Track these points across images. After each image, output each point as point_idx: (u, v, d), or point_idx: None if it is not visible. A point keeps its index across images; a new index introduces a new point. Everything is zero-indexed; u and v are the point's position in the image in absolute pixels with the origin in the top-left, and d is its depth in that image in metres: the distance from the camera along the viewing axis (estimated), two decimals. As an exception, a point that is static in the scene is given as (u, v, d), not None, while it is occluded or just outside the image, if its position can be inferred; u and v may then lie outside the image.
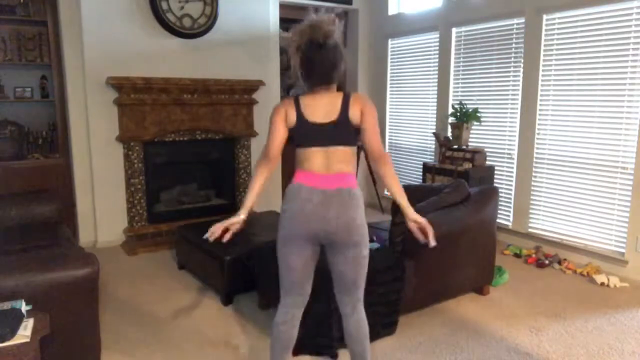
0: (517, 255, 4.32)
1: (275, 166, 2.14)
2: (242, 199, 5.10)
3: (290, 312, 2.13)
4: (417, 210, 3.11)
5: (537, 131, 4.37)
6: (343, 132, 2.01)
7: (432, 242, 2.02)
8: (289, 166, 5.92)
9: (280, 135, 2.05)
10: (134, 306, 3.30)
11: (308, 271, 2.08)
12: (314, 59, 1.96)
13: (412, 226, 2.09)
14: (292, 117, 2.03)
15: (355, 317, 2.13)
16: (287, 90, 6.16)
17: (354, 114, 2.01)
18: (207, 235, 2.05)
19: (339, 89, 2.09)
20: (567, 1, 4.02)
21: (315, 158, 1.99)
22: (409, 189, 3.86)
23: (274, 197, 5.48)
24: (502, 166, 4.71)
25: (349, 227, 1.97)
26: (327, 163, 1.99)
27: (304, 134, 2.01)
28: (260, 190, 2.06)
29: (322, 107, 2.01)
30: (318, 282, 2.37)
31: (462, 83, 5.07)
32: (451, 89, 5.16)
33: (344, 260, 2.03)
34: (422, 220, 2.07)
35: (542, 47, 4.25)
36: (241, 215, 2.06)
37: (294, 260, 2.03)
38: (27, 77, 4.58)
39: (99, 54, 4.31)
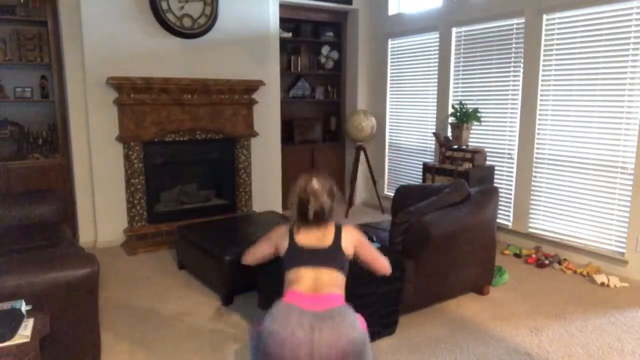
0: (517, 255, 4.32)
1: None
2: (242, 199, 5.12)
3: None
4: (418, 211, 3.13)
5: (537, 131, 4.37)
6: (335, 256, 2.10)
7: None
8: (289, 167, 5.95)
9: (265, 251, 2.32)
10: (134, 306, 3.30)
11: None
12: (308, 214, 2.10)
13: None
14: (285, 244, 2.15)
15: None
16: (287, 90, 6.17)
17: (346, 245, 2.13)
18: None
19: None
20: (567, 1, 4.02)
21: (306, 278, 2.02)
22: (409, 189, 3.90)
23: (274, 197, 5.49)
24: (502, 166, 4.71)
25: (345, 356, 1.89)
26: (317, 284, 2.02)
27: (295, 256, 2.10)
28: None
29: (314, 236, 2.12)
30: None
31: (462, 83, 5.06)
32: (451, 89, 5.16)
33: None
34: None
35: (542, 47, 4.25)
36: None
37: None
38: (27, 77, 4.57)
39: (99, 54, 4.31)
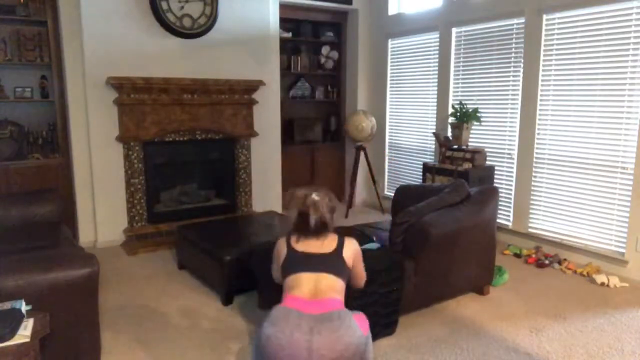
0: (517, 255, 4.32)
1: None
2: (242, 199, 5.12)
3: None
4: (418, 211, 3.13)
5: (537, 131, 4.37)
6: (336, 263, 2.11)
7: None
8: (289, 167, 5.94)
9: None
10: (133, 306, 3.30)
11: None
12: (309, 224, 2.13)
13: None
14: (283, 252, 2.18)
15: None
16: (287, 90, 6.16)
17: (347, 255, 2.16)
18: None
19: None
20: (567, 1, 4.02)
21: (306, 283, 2.03)
22: (409, 189, 3.90)
23: (274, 197, 5.49)
24: (502, 166, 4.71)
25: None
26: (316, 289, 2.02)
27: (295, 262, 2.11)
28: None
29: (314, 244, 2.15)
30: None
31: (462, 83, 5.06)
32: (451, 89, 5.16)
33: None
34: None
35: (542, 47, 4.25)
36: None
37: None
38: (27, 77, 4.57)
39: (99, 54, 4.31)
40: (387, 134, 6.14)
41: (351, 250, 2.19)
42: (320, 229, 2.13)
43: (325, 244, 2.14)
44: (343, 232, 2.29)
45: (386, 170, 6.20)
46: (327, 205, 2.16)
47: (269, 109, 5.33)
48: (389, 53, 5.97)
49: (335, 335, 1.88)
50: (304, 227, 2.13)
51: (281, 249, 2.19)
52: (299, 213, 2.15)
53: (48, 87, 4.61)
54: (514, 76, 4.53)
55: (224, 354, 2.70)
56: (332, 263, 2.09)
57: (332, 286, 2.04)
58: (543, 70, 4.27)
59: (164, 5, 4.47)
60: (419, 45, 5.57)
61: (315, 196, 2.15)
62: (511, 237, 4.65)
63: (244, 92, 4.96)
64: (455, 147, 4.74)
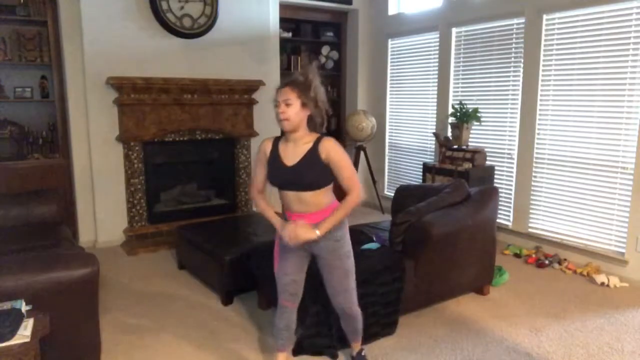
0: (517, 255, 4.31)
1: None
2: (242, 199, 5.11)
3: None
4: (418, 211, 3.13)
5: (537, 131, 4.37)
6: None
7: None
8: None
9: None
10: (133, 306, 3.30)
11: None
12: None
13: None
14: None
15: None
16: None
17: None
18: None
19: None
20: (567, 1, 4.02)
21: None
22: (409, 189, 3.90)
23: (274, 197, 5.47)
24: (502, 166, 4.71)
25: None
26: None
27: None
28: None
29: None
30: (318, 284, 2.37)
31: (462, 83, 5.06)
32: (451, 89, 5.16)
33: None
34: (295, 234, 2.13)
35: (542, 47, 4.25)
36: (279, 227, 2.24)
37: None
38: (27, 77, 4.57)
39: (99, 54, 4.31)
40: (387, 134, 6.13)
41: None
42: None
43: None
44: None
45: (386, 170, 6.20)
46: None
47: (269, 109, 5.26)
48: (389, 53, 5.96)
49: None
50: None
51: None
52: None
53: (48, 87, 4.61)
54: (514, 76, 4.53)
55: (224, 354, 2.70)
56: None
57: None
58: (543, 70, 4.27)
59: (164, 5, 4.47)
60: (419, 45, 5.57)
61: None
62: (511, 237, 4.65)
63: (244, 92, 4.96)
64: (455, 147, 4.74)
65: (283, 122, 2.12)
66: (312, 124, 2.16)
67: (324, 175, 2.12)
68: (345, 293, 2.27)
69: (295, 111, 2.10)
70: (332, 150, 2.10)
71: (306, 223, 2.11)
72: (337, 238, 2.19)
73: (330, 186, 2.18)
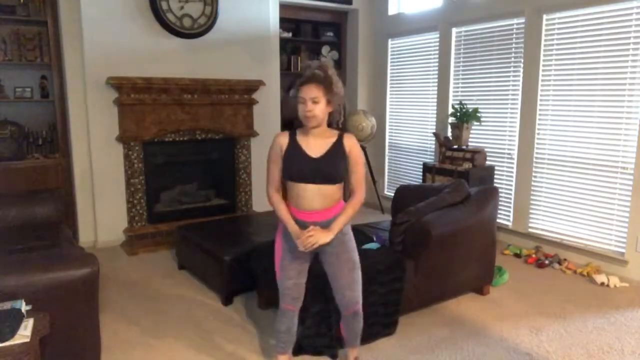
0: (517, 255, 4.31)
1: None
2: (242, 199, 5.11)
3: None
4: (418, 211, 3.13)
5: (537, 131, 4.37)
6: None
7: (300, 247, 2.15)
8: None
9: None
10: (133, 306, 3.30)
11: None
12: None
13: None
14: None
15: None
16: (287, 90, 6.16)
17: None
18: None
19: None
20: (567, 1, 4.02)
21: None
22: (409, 189, 3.90)
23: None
24: (502, 166, 4.71)
25: None
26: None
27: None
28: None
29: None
30: (317, 284, 2.37)
31: (462, 83, 5.06)
32: (451, 89, 5.16)
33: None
34: (315, 235, 2.13)
35: (542, 47, 4.25)
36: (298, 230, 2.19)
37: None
38: (27, 77, 4.57)
39: (99, 54, 4.31)
40: (387, 134, 6.13)
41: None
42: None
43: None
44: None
45: (386, 170, 6.20)
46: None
47: (269, 109, 5.33)
48: (389, 53, 5.97)
49: None
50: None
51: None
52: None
53: (48, 87, 4.61)
54: (514, 76, 4.53)
55: (224, 354, 2.70)
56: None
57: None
58: (543, 70, 4.27)
59: (164, 5, 4.47)
60: (419, 45, 5.57)
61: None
62: (511, 237, 4.65)
63: (244, 92, 4.96)
64: (455, 147, 4.74)
65: (309, 119, 2.12)
66: (330, 119, 2.20)
67: (344, 170, 2.18)
68: (355, 285, 2.27)
69: (321, 108, 2.11)
70: (355, 147, 2.18)
71: (319, 228, 2.13)
72: (344, 232, 2.24)
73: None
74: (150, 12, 4.46)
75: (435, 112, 5.37)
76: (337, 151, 2.15)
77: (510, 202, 4.68)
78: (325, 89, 2.09)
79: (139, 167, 4.52)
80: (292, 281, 2.25)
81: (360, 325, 2.38)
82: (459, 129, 4.70)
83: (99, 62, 4.32)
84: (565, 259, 4.11)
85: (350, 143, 2.17)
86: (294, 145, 2.18)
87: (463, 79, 5.05)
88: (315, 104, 2.09)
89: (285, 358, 2.40)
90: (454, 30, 5.07)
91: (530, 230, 4.50)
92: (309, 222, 2.16)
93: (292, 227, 2.17)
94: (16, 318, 1.78)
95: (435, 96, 5.34)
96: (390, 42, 5.93)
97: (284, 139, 2.22)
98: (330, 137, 2.17)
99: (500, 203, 3.97)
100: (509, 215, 4.70)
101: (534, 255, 4.20)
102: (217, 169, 5.16)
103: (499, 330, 2.96)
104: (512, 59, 4.52)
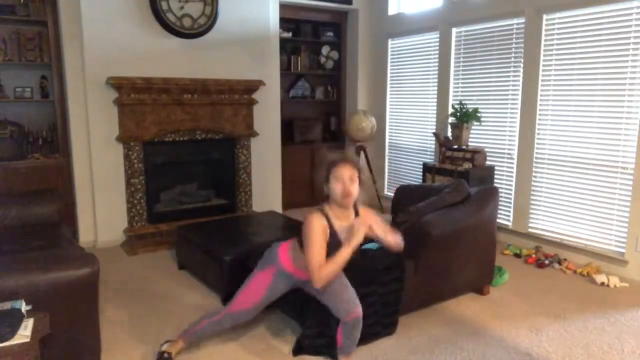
0: (517, 255, 4.32)
1: None
2: (242, 199, 5.11)
3: None
4: (418, 211, 3.13)
5: (537, 131, 4.37)
6: None
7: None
8: (289, 167, 5.91)
9: None
10: (133, 306, 3.30)
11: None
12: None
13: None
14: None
15: None
16: (287, 90, 6.16)
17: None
18: None
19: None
20: (567, 1, 4.02)
21: None
22: (409, 189, 3.90)
23: (274, 197, 5.49)
24: (502, 166, 4.71)
25: None
26: None
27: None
28: None
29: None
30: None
31: (462, 83, 5.07)
32: (451, 89, 5.16)
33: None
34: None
35: (542, 47, 4.25)
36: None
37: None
38: (27, 77, 4.57)
39: (99, 54, 4.31)
40: (387, 134, 6.14)
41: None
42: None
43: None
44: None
45: (386, 170, 6.20)
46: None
47: (269, 109, 5.33)
48: (389, 53, 5.97)
49: None
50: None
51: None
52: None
53: (48, 87, 4.61)
54: (514, 76, 4.53)
55: (223, 354, 2.70)
56: None
57: None
58: (543, 70, 4.27)
59: (164, 5, 4.47)
60: (419, 45, 5.57)
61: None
62: (511, 237, 4.65)
63: (244, 92, 4.96)
64: (455, 147, 4.74)
65: (347, 199, 2.22)
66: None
67: None
68: (347, 294, 2.37)
69: (356, 188, 2.24)
70: (371, 219, 2.34)
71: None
72: None
73: None
74: (150, 12, 4.46)
75: (435, 112, 5.37)
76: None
77: (510, 202, 4.68)
78: (359, 171, 2.25)
79: (139, 167, 4.52)
80: (261, 307, 2.51)
81: (359, 333, 2.42)
82: (459, 129, 4.70)
83: (99, 62, 4.32)
84: (565, 259, 4.11)
85: (367, 217, 2.34)
86: (332, 234, 2.28)
87: (463, 79, 5.05)
88: (353, 183, 2.21)
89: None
90: (454, 30, 5.07)
91: (530, 230, 4.50)
92: (302, 280, 2.39)
93: (347, 246, 2.22)
94: (16, 318, 1.78)
95: (435, 96, 5.34)
96: (390, 42, 5.93)
97: (325, 224, 2.27)
98: (351, 215, 2.35)
99: (500, 203, 3.97)
100: (509, 215, 4.70)
101: (534, 255, 4.20)
102: (217, 169, 5.16)
103: (499, 330, 2.96)
104: (512, 59, 4.52)
